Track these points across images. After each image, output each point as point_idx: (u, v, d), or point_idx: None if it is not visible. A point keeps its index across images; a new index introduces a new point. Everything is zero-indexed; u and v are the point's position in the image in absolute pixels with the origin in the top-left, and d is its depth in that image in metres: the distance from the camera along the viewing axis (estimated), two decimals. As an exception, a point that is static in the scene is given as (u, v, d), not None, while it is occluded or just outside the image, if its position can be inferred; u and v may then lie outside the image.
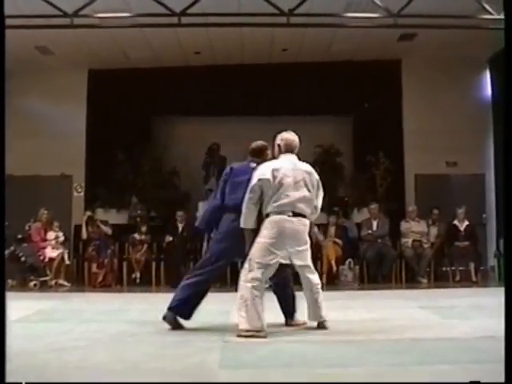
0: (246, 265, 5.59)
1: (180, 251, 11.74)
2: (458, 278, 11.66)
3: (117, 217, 13.21)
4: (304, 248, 5.80)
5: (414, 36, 12.87)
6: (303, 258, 5.80)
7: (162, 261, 11.81)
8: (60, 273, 11.64)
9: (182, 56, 13.46)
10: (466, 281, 11.38)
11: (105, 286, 11.27)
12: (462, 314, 6.20)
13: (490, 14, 10.11)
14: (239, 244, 5.69)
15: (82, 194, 13.98)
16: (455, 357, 4.50)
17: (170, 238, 12.00)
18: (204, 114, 14.55)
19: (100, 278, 11.44)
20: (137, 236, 12.17)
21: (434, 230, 12.22)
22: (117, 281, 11.66)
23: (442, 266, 11.84)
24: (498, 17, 10.13)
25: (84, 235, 12.25)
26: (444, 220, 12.47)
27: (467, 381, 3.76)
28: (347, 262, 11.44)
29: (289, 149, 6.16)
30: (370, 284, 11.15)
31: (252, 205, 5.65)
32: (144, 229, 12.21)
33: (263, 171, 5.81)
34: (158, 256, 11.99)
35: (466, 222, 11.93)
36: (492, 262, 13.56)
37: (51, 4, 8.13)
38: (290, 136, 6.26)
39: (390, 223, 12.22)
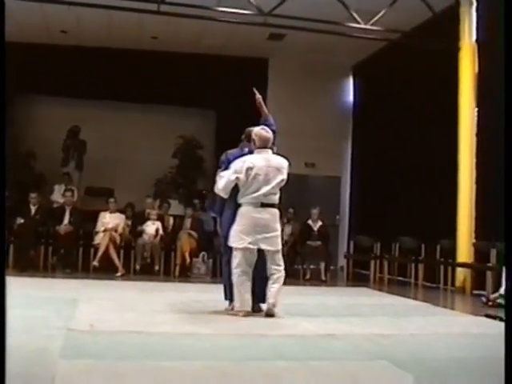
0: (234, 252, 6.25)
1: (32, 234, 11.31)
2: (308, 276, 11.97)
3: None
4: (272, 235, 6.27)
5: (283, 36, 13.10)
6: (271, 244, 6.27)
7: (12, 243, 11.32)
8: None
9: (48, 34, 13.00)
10: (315, 279, 11.70)
11: None
12: (307, 312, 6.35)
13: (358, 22, 10.47)
14: None
15: None
16: (295, 353, 4.60)
17: (22, 221, 11.53)
18: (66, 95, 14.16)
19: None
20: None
21: (288, 229, 12.48)
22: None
23: (294, 264, 12.11)
24: (364, 26, 10.51)
25: None
26: (299, 219, 12.76)
27: (303, 377, 3.86)
28: (201, 255, 11.47)
29: (262, 144, 6.44)
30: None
31: (224, 194, 6.45)
32: (-7, 209, 11.64)
33: (239, 168, 6.29)
34: (8, 238, 11.48)
35: (320, 223, 12.25)
36: (342, 262, 14.06)
37: None
38: (263, 132, 6.50)
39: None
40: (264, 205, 6.24)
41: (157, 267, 11.43)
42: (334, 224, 14.67)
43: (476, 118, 10.38)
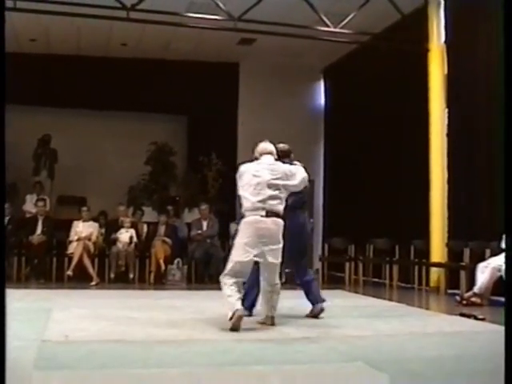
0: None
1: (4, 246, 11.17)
2: (283, 279, 11.94)
3: None
4: (277, 247, 5.97)
5: (253, 41, 13.13)
6: (276, 257, 5.97)
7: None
8: None
9: (17, 42, 12.89)
10: (290, 283, 11.68)
11: None
12: (282, 316, 6.35)
13: (327, 25, 10.53)
14: None
15: None
16: (271, 358, 4.61)
17: (-7, 232, 11.39)
18: (37, 104, 14.03)
19: None
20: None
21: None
22: None
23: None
24: (334, 29, 10.57)
25: None
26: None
27: (280, 381, 3.86)
28: (176, 262, 11.42)
29: (264, 151, 6.31)
30: (198, 284, 11.22)
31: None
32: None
33: (242, 175, 6.20)
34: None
35: (294, 226, 12.23)
36: (317, 264, 14.07)
37: None
38: (265, 144, 6.42)
39: (219, 224, 12.32)
40: (269, 214, 5.91)
41: (131, 275, 11.36)
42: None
43: (446, 119, 10.48)
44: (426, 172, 10.56)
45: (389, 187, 11.90)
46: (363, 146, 12.89)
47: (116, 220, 12.09)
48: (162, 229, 11.91)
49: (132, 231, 11.63)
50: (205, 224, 12.02)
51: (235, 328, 5.57)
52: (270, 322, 6.10)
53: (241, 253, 5.87)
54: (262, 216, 5.88)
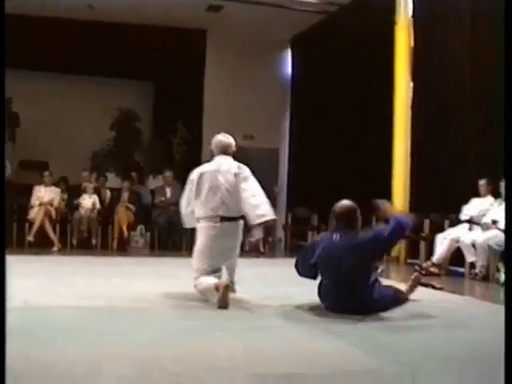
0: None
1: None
2: (246, 248, 12.00)
3: None
4: (234, 246, 5.81)
5: (221, 8, 13.01)
6: (234, 256, 5.88)
7: None
8: None
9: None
10: (254, 251, 11.75)
11: None
12: (245, 284, 6.38)
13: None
14: None
15: None
16: (231, 325, 4.66)
17: None
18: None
19: None
20: None
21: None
22: None
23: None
24: (302, -1, 10.52)
25: None
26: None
27: (241, 347, 3.90)
28: (139, 228, 11.41)
29: (220, 151, 5.94)
30: (161, 251, 11.22)
31: (184, 207, 5.94)
32: None
33: (191, 177, 5.92)
34: None
35: (258, 195, 12.25)
36: (280, 233, 14.17)
37: None
38: (223, 138, 6.03)
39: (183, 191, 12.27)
40: (224, 219, 5.62)
41: (94, 241, 11.33)
42: (272, 196, 14.71)
43: (411, 92, 10.54)
44: (389, 144, 10.63)
45: (353, 158, 11.95)
46: (329, 116, 12.91)
47: (79, 185, 12.00)
48: (125, 195, 11.84)
49: (95, 197, 11.56)
50: (169, 191, 11.96)
51: (225, 300, 5.23)
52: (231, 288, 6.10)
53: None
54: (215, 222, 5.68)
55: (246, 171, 5.78)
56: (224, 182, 5.68)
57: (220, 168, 5.76)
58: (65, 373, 3.24)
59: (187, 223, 6.02)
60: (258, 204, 5.62)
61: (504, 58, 3.97)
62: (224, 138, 6.01)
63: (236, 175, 5.70)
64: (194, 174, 5.89)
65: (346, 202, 5.39)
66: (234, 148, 6.01)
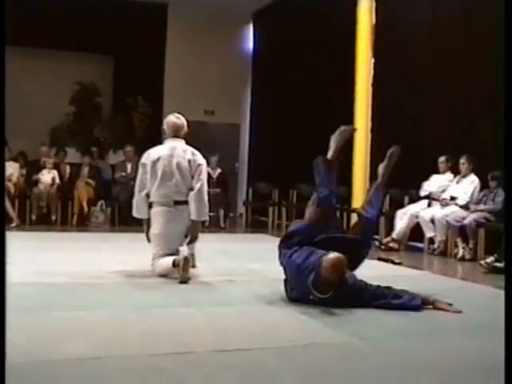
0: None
1: None
2: (207, 223, 12.01)
3: None
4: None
5: (181, -19, 12.87)
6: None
7: None
8: None
9: None
10: (215, 226, 11.78)
11: None
12: (206, 259, 6.41)
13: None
14: None
15: None
16: (194, 300, 4.69)
17: None
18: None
19: None
20: None
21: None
22: None
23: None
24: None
25: None
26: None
27: (204, 322, 3.93)
28: (99, 204, 11.31)
29: (172, 133, 5.89)
30: (121, 226, 11.16)
31: (137, 192, 5.82)
32: None
33: (144, 160, 5.83)
34: None
35: (219, 170, 12.29)
36: (241, 209, 14.21)
37: None
38: (176, 120, 5.93)
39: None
40: (177, 202, 5.66)
41: (54, 217, 11.21)
42: (233, 171, 14.76)
43: (373, 68, 10.59)
44: (351, 120, 10.68)
45: (314, 134, 11.98)
46: (290, 91, 12.92)
47: (38, 161, 11.84)
48: (85, 170, 11.72)
49: (54, 172, 11.43)
50: (129, 166, 11.88)
51: (185, 273, 5.31)
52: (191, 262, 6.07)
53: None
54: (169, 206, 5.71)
55: (199, 159, 5.77)
56: (178, 167, 5.67)
57: (173, 153, 5.73)
58: (27, 351, 3.23)
59: (138, 210, 5.86)
60: (196, 207, 5.63)
61: (504, 57, 4.02)
62: (177, 119, 5.93)
63: (190, 161, 5.71)
64: (147, 158, 5.82)
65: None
66: (186, 129, 5.96)
